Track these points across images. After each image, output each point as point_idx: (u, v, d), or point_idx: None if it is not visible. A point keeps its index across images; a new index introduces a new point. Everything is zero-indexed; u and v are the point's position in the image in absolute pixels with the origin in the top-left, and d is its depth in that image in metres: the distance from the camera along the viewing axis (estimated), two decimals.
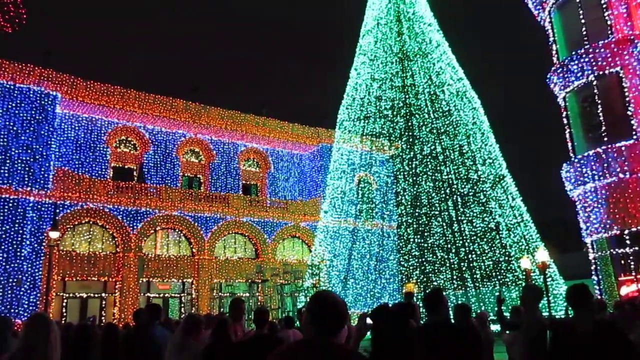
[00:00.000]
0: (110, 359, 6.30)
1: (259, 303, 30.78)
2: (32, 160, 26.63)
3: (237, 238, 34.29)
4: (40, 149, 27.07)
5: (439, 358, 4.60)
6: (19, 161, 26.23)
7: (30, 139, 26.78)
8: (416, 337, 4.39)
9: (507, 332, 9.13)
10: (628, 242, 18.36)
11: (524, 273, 24.39)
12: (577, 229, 20.75)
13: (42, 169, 26.99)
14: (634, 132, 18.27)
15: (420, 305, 10.04)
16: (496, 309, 8.00)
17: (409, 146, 30.63)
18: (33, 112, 27.22)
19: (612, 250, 19.13)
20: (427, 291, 6.20)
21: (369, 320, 3.38)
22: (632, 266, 18.55)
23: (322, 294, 2.96)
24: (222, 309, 29.95)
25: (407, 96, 30.18)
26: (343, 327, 2.83)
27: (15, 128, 26.44)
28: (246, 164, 38.16)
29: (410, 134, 30.29)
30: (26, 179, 26.24)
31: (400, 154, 32.01)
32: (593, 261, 19.96)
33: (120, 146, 33.01)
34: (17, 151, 26.25)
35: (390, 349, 3.10)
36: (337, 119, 31.96)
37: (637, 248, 18.29)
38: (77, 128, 31.08)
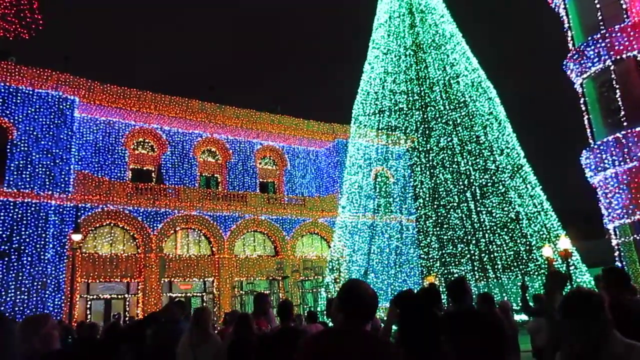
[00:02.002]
0: (139, 355, 6.39)
1: (280, 300, 30.93)
2: (52, 164, 27.02)
3: (256, 236, 34.46)
4: (60, 153, 27.46)
5: (463, 345, 4.63)
6: (40, 166, 26.64)
7: (50, 143, 27.18)
8: (442, 324, 4.41)
9: (531, 319, 9.11)
10: None
11: (546, 262, 24.16)
12: (599, 215, 20.51)
13: (63, 173, 27.39)
14: None
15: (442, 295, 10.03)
16: (520, 297, 7.98)
17: (425, 139, 30.49)
18: (52, 116, 27.62)
19: (635, 236, 18.88)
20: (451, 280, 6.19)
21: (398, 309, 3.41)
22: None
23: (354, 282, 2.99)
24: (243, 307, 30.19)
25: (421, 88, 30.03)
26: (373, 316, 2.87)
27: (35, 133, 26.84)
28: (263, 162, 38.30)
29: (426, 126, 30.14)
30: (47, 183, 26.64)
31: (417, 146, 31.87)
32: (616, 247, 19.72)
33: (138, 148, 33.35)
34: (37, 156, 26.66)
35: (418, 335, 3.11)
36: (352, 114, 31.92)
37: None
38: (95, 131, 31.45)
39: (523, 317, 16.33)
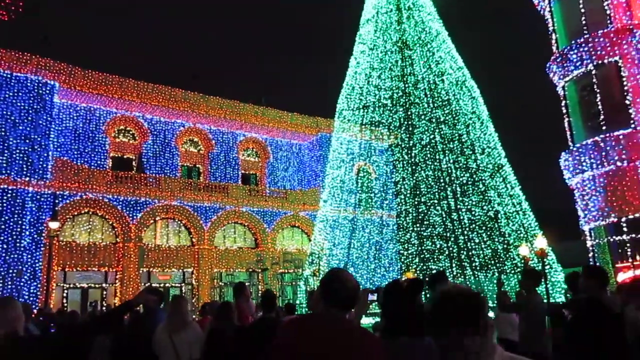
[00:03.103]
0: (117, 344, 6.38)
1: (259, 292, 30.95)
2: (30, 150, 26.56)
3: (236, 228, 34.39)
4: (39, 139, 27.00)
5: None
6: (17, 151, 26.16)
7: (28, 128, 26.70)
8: (427, 313, 4.51)
9: (502, 313, 9.30)
10: (625, 229, 18.50)
11: (523, 261, 24.54)
12: (575, 217, 20.88)
13: (41, 159, 26.95)
14: (632, 121, 18.35)
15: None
16: (495, 293, 8.16)
17: (408, 135, 30.64)
18: (31, 101, 27.12)
19: (609, 238, 19.27)
20: (433, 273, 6.33)
21: (371, 297, 3.46)
22: (628, 253, 18.70)
23: (336, 270, 3.02)
24: (222, 298, 30.13)
25: (406, 85, 30.14)
26: (353, 306, 2.89)
27: (13, 118, 26.34)
28: (245, 154, 38.19)
29: (410, 123, 30.28)
30: (25, 169, 26.19)
31: (400, 143, 32.02)
32: (591, 249, 20.11)
33: (119, 136, 33.00)
34: (15, 141, 26.17)
35: (405, 323, 3.18)
36: (336, 108, 31.93)
37: (634, 235, 18.43)
38: (75, 118, 31.03)
39: (490, 313, 16.59)
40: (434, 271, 27.33)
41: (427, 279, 5.63)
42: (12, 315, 3.43)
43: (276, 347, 2.82)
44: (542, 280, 14.49)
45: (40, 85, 27.67)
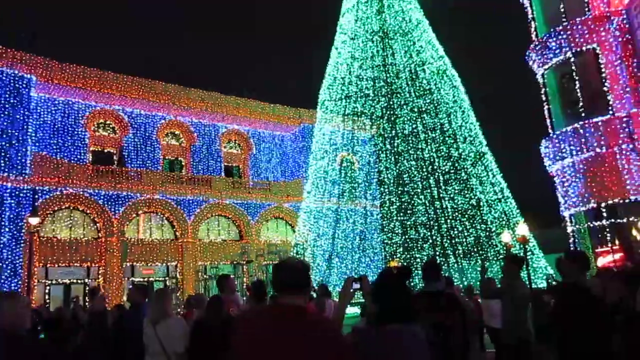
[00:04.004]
0: (100, 340, 6.34)
1: (244, 284, 30.91)
2: (8, 145, 26.12)
3: (220, 220, 34.25)
4: (17, 134, 26.56)
5: (437, 319, 4.89)
6: None
7: (5, 123, 26.24)
8: (418, 301, 4.57)
9: (492, 300, 9.43)
10: (605, 214, 18.80)
11: (505, 248, 24.84)
12: (556, 204, 21.16)
13: (19, 154, 26.53)
14: (610, 108, 18.60)
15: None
16: (479, 280, 8.26)
17: (390, 125, 30.71)
18: (7, 95, 26.63)
19: (589, 223, 19.57)
20: (427, 261, 6.39)
21: (355, 285, 3.48)
22: (608, 238, 19.03)
23: (284, 259, 3.10)
24: (207, 291, 30.04)
25: (387, 75, 30.16)
26: (305, 290, 2.95)
27: None
28: (228, 146, 37.97)
29: (392, 112, 30.35)
30: (2, 164, 25.76)
31: (382, 133, 32.09)
32: (571, 234, 20.41)
33: (99, 130, 32.58)
34: None
35: (396, 310, 3.23)
36: (318, 99, 31.86)
37: (613, 220, 18.75)
38: (54, 112, 30.54)
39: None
40: (418, 260, 27.58)
41: (423, 267, 5.65)
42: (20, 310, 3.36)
43: (233, 342, 2.89)
44: (524, 265, 14.70)
45: (17, 79, 27.19)
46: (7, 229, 25.39)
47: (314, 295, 10.20)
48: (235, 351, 2.85)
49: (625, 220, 18.43)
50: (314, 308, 6.99)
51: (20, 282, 25.07)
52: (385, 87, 30.31)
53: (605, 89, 18.83)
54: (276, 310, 2.94)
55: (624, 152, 18.10)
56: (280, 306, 2.93)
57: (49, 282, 27.39)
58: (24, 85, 27.49)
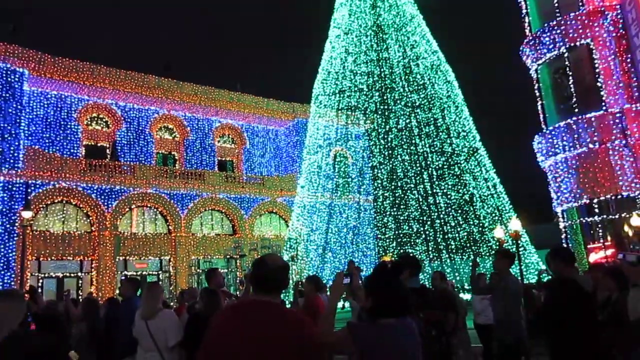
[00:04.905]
0: (91, 333, 6.34)
1: (237, 279, 30.92)
2: (0, 139, 25.99)
3: (214, 215, 34.21)
4: (9, 128, 26.43)
5: (429, 317, 5.05)
6: None
7: None
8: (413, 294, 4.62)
9: (472, 298, 9.43)
10: (597, 210, 18.91)
11: (498, 243, 24.93)
12: (548, 200, 21.23)
13: (12, 148, 26.41)
14: (603, 103, 18.67)
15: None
16: (470, 274, 8.25)
17: (384, 120, 30.69)
18: None
19: (581, 219, 19.68)
20: (409, 256, 6.41)
21: (346, 280, 3.49)
22: (600, 234, 19.14)
23: (264, 255, 3.16)
24: (200, 286, 30.02)
25: (381, 70, 30.10)
26: (281, 287, 3.02)
27: None
28: (221, 140, 37.88)
29: (385, 107, 30.32)
30: None
31: (376, 127, 32.06)
32: (563, 230, 20.52)
33: (92, 124, 32.43)
34: None
35: (391, 305, 3.26)
36: (312, 93, 31.78)
37: (605, 216, 18.86)
38: (46, 106, 30.38)
39: (467, 296, 16.90)
40: (410, 254, 27.63)
41: (407, 261, 5.66)
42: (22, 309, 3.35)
43: (207, 335, 2.94)
44: (515, 261, 14.74)
45: (9, 72, 27.02)
46: (0, 223, 25.32)
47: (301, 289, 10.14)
48: (205, 342, 2.92)
49: (617, 216, 18.54)
50: (308, 304, 6.98)
51: (13, 276, 25.02)
52: (379, 82, 30.27)
53: (598, 84, 18.90)
54: (248, 304, 3.02)
55: (616, 148, 18.18)
56: (252, 301, 3.00)
57: (42, 275, 27.32)
58: (17, 79, 27.33)
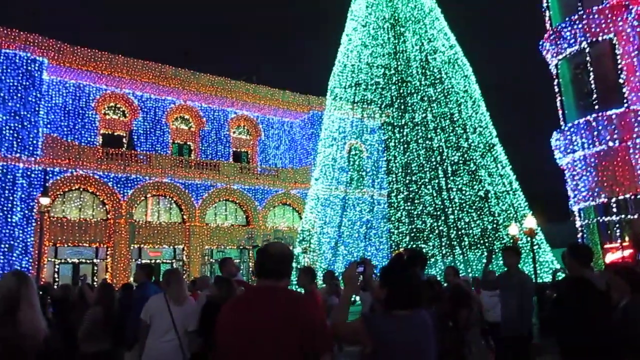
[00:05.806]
0: (106, 316, 6.46)
1: (250, 269, 31.07)
2: (20, 126, 26.37)
3: (228, 205, 34.39)
4: (28, 116, 26.81)
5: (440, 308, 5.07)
6: (7, 127, 25.99)
7: (17, 105, 26.47)
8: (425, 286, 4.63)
9: (487, 292, 9.34)
10: (614, 210, 18.59)
11: (512, 240, 24.70)
12: (565, 198, 20.93)
13: (31, 136, 26.79)
14: (625, 100, 18.28)
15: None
16: (484, 264, 8.15)
17: (400, 114, 30.48)
18: (20, 78, 26.83)
19: (598, 218, 19.37)
20: (418, 250, 6.40)
21: (359, 269, 3.47)
22: (617, 234, 18.82)
23: (268, 243, 3.20)
24: (213, 275, 30.22)
25: (398, 63, 29.88)
26: (285, 274, 3.02)
27: (2, 94, 26.14)
28: (237, 131, 38.00)
29: (402, 101, 30.10)
30: (15, 145, 26.05)
31: (391, 121, 31.86)
32: (580, 229, 20.21)
33: (109, 113, 32.72)
34: (4, 117, 25.98)
35: (405, 296, 3.24)
36: (328, 86, 31.67)
37: (622, 216, 18.53)
38: (65, 94, 30.73)
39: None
40: (423, 249, 27.56)
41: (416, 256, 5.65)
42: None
43: (217, 327, 2.96)
44: (522, 255, 14.58)
45: (29, 61, 27.36)
46: (18, 209, 25.75)
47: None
48: (217, 331, 2.94)
49: (635, 216, 18.21)
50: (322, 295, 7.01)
51: (30, 260, 25.47)
52: (396, 75, 30.04)
53: (620, 81, 18.50)
54: (253, 290, 3.09)
55: (637, 146, 17.83)
56: (256, 287, 3.03)
57: (58, 260, 27.77)
58: (36, 68, 27.65)
